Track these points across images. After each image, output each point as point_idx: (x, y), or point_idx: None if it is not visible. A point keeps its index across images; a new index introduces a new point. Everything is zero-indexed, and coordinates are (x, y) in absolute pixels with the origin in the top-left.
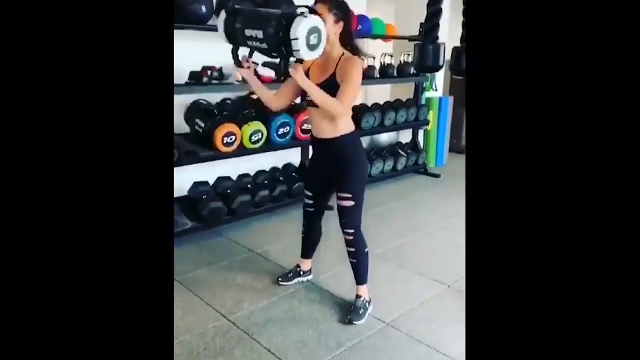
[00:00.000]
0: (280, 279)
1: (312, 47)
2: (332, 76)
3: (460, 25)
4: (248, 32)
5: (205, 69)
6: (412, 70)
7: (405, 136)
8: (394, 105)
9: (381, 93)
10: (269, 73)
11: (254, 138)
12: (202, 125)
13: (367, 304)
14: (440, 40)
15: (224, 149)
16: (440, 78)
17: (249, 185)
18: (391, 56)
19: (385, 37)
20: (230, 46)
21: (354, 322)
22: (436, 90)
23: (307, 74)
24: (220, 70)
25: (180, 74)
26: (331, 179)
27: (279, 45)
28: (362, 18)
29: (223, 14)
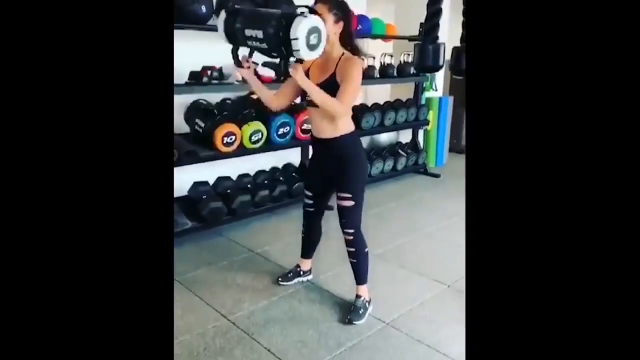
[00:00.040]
0: (280, 279)
1: (312, 47)
2: (332, 76)
3: (460, 25)
4: (248, 32)
5: (205, 69)
6: (412, 70)
7: (405, 136)
8: (394, 105)
9: (381, 93)
10: (269, 73)
11: (254, 138)
12: (202, 125)
13: (367, 304)
14: (440, 40)
15: (224, 149)
16: (440, 78)
17: (249, 185)
18: (391, 56)
19: (385, 37)
20: (230, 46)
21: (354, 322)
22: (436, 90)
23: (307, 74)
24: (220, 70)
25: (180, 74)
26: (331, 179)
27: (279, 45)
28: (362, 18)
29: (223, 14)
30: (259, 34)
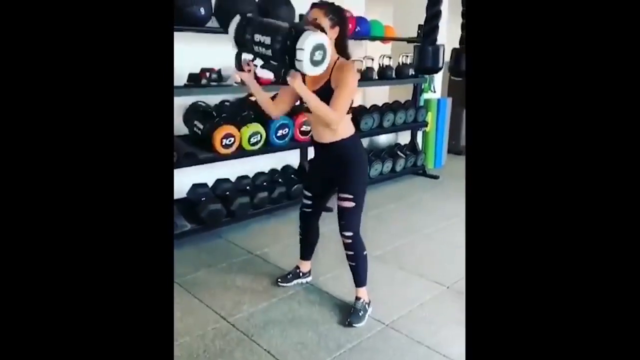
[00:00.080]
0: (279, 281)
1: (315, 63)
2: (327, 83)
3: (459, 27)
4: (257, 37)
5: (203, 70)
6: (410, 71)
7: (404, 138)
8: (393, 107)
9: (380, 95)
10: (268, 75)
11: (252, 140)
12: (201, 127)
13: (366, 305)
14: (438, 42)
15: (223, 151)
16: (438, 80)
17: (247, 187)
18: (390, 58)
19: (383, 39)
20: (231, 50)
21: (354, 325)
22: (434, 91)
23: (303, 80)
24: (219, 72)
25: (179, 76)
26: (332, 180)
27: (284, 53)
28: (360, 20)
29: (237, 18)
30: (267, 40)
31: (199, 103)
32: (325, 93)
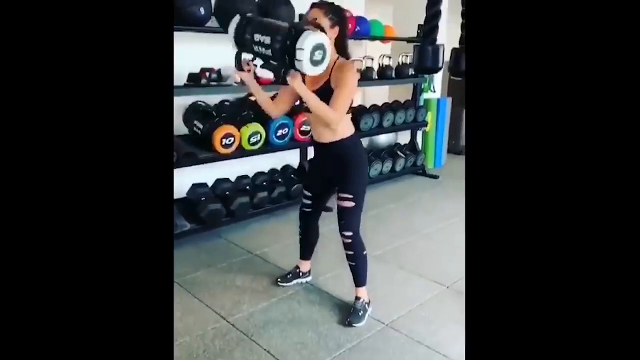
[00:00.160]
0: (279, 281)
1: (315, 63)
2: (327, 83)
3: (459, 27)
4: (257, 37)
5: (203, 70)
6: (410, 71)
7: (404, 138)
8: (393, 107)
9: (380, 95)
10: (268, 75)
11: (252, 140)
12: (201, 127)
13: (366, 305)
14: (438, 42)
15: (223, 151)
16: (438, 80)
17: (247, 187)
18: (390, 58)
19: (383, 39)
20: (230, 50)
21: (354, 325)
22: (434, 91)
23: (303, 80)
24: (218, 72)
25: (179, 76)
26: (332, 180)
27: (284, 53)
28: (360, 20)
29: (237, 18)
30: (267, 40)
31: (199, 103)
32: (325, 93)
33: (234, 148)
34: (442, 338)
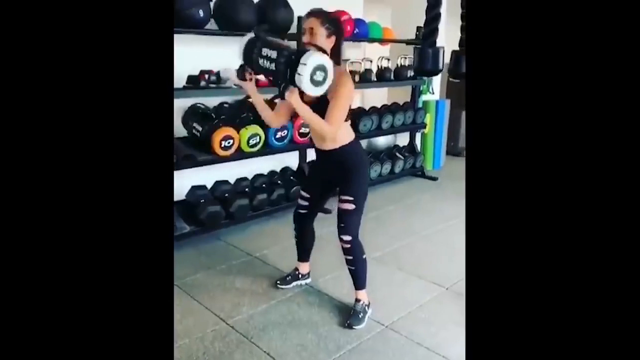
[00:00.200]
0: (278, 283)
1: (315, 83)
2: (324, 94)
3: (457, 29)
4: (264, 51)
5: (202, 72)
6: (409, 73)
7: (403, 139)
8: (392, 109)
9: (378, 96)
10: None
11: (251, 142)
12: (200, 129)
13: (366, 307)
14: (438, 44)
15: (222, 153)
16: (437, 81)
17: (247, 189)
18: (388, 60)
19: (382, 41)
20: (230, 51)
21: (354, 327)
22: (433, 93)
23: (301, 93)
24: (217, 74)
25: (178, 78)
26: (332, 182)
27: (287, 67)
28: (359, 22)
29: (251, 35)
30: (274, 54)
31: (198, 105)
32: (322, 104)
33: (232, 150)
34: (441, 339)
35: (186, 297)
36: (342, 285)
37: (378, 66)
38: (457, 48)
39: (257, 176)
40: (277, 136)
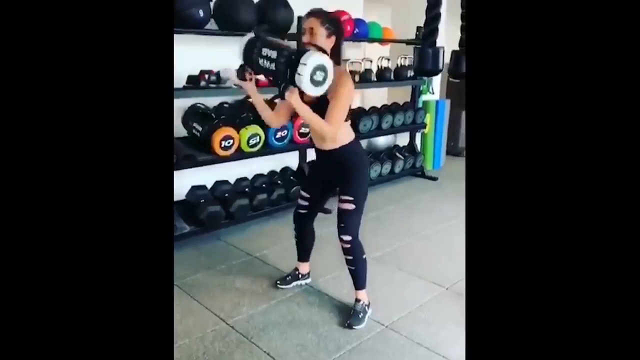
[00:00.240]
0: (278, 283)
1: (315, 83)
2: (324, 94)
3: (457, 29)
4: (264, 51)
5: (202, 72)
6: (409, 73)
7: (403, 139)
8: (391, 109)
9: (378, 96)
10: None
11: (251, 142)
12: (200, 129)
13: (366, 307)
14: (438, 44)
15: (222, 153)
16: (437, 81)
17: (247, 189)
18: (388, 60)
19: (382, 41)
20: (230, 52)
21: (354, 327)
22: (433, 93)
23: (301, 93)
24: (217, 74)
25: (178, 78)
26: (332, 182)
27: (287, 67)
28: (359, 22)
29: (251, 35)
30: (274, 54)
31: (198, 105)
32: (322, 104)
33: (232, 150)
34: (441, 339)
35: (186, 297)
36: (342, 285)
37: (378, 66)
38: (457, 48)
39: (257, 176)
40: (277, 136)
